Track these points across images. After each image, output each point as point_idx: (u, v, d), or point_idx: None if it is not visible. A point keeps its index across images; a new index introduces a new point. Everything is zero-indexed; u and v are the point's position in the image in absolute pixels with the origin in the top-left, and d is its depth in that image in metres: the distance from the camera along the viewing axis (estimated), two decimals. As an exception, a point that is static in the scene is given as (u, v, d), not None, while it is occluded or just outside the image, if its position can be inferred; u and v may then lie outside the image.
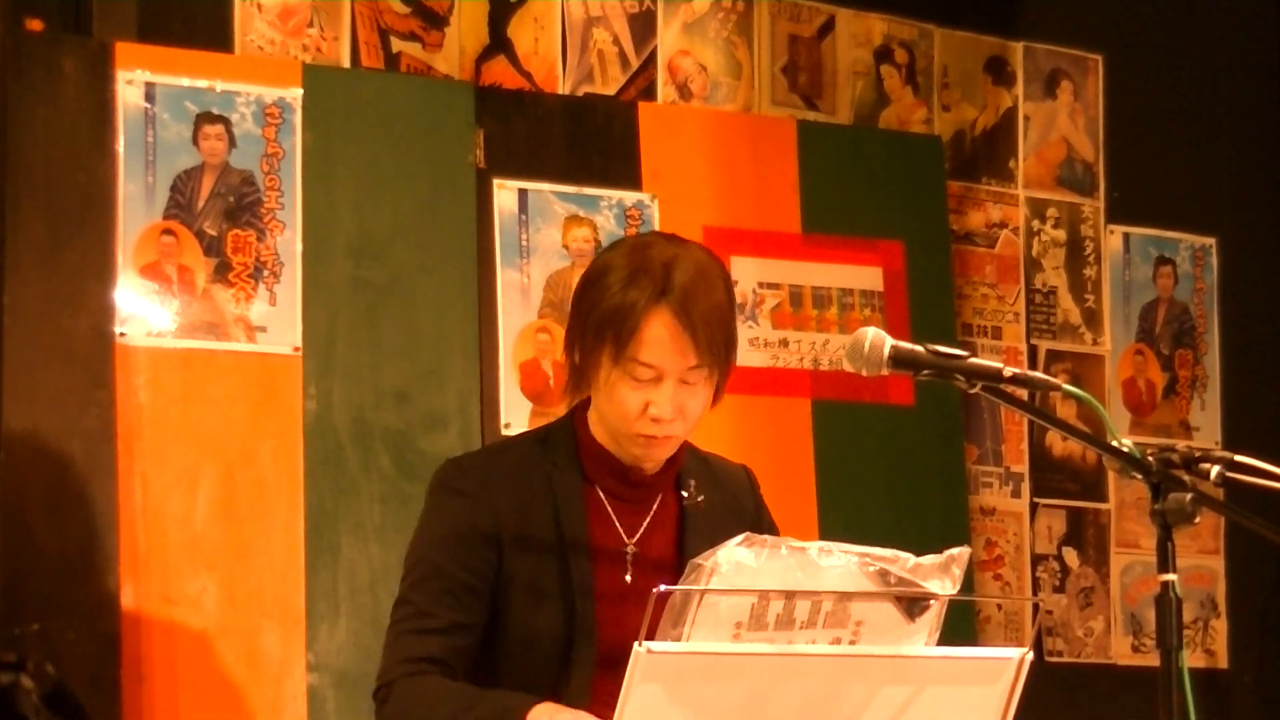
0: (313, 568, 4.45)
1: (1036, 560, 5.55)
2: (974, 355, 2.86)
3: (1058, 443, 5.58)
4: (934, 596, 2.76)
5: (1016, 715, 2.84)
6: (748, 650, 2.67)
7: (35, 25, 4.42)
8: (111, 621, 4.27)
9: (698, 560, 2.67)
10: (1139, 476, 2.76)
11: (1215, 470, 2.78)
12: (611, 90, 5.09)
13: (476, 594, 3.06)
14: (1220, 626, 5.79)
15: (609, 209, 4.92)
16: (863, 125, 5.42)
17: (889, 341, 2.82)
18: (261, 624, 4.39)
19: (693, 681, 2.65)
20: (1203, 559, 5.78)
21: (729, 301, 3.11)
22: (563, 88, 5.02)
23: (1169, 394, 5.81)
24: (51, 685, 3.79)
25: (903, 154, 5.37)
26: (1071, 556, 5.60)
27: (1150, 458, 2.77)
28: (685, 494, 3.19)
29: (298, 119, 4.59)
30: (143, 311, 4.42)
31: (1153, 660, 2.93)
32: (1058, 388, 2.87)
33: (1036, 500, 5.57)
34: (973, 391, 2.83)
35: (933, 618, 2.79)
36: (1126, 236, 5.79)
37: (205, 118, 4.52)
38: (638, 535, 3.15)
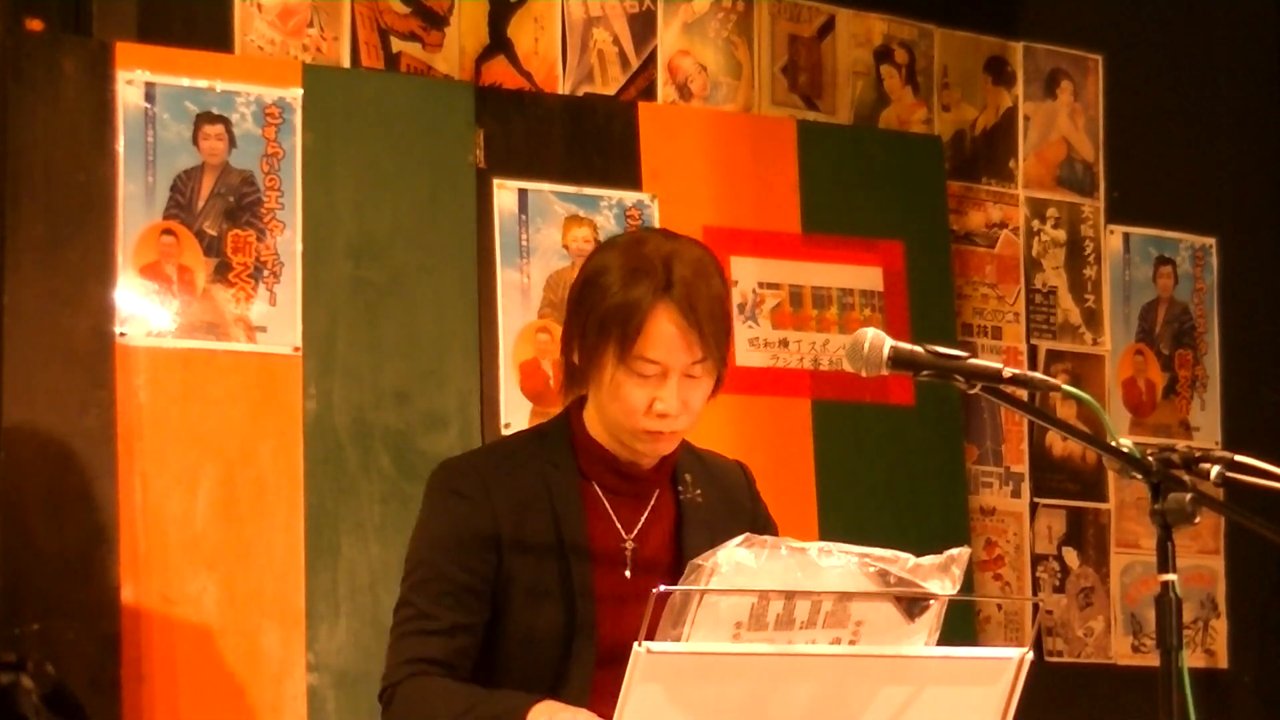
0: (313, 568, 4.45)
1: (1036, 560, 5.55)
2: (974, 355, 2.86)
3: (1058, 443, 5.58)
4: (934, 596, 2.76)
5: (1016, 715, 2.84)
6: (748, 650, 2.67)
7: (35, 25, 4.42)
8: (111, 621, 4.27)
9: (698, 560, 2.67)
10: (1139, 476, 2.76)
11: (1215, 470, 2.77)
12: (611, 90, 5.09)
13: (477, 595, 3.07)
14: (1220, 626, 5.79)
15: (609, 209, 4.92)
16: (863, 125, 5.42)
17: (889, 342, 2.82)
18: (261, 624, 4.39)
19: (693, 681, 2.65)
20: (1203, 559, 5.78)
21: (726, 293, 3.13)
22: (563, 88, 5.02)
23: (1169, 394, 5.81)
24: (51, 685, 3.79)
25: (903, 154, 5.37)
26: (1071, 556, 5.60)
27: (1150, 458, 2.77)
28: (682, 489, 3.20)
29: (298, 119, 4.59)
30: (143, 311, 4.42)
31: (1153, 660, 2.93)
32: (1057, 388, 2.87)
33: (1036, 500, 5.57)
34: (972, 392, 2.83)
35: (933, 618, 2.79)
36: (1126, 236, 5.79)
37: (205, 118, 4.52)
38: (635, 531, 3.15)
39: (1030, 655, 2.82)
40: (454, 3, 4.93)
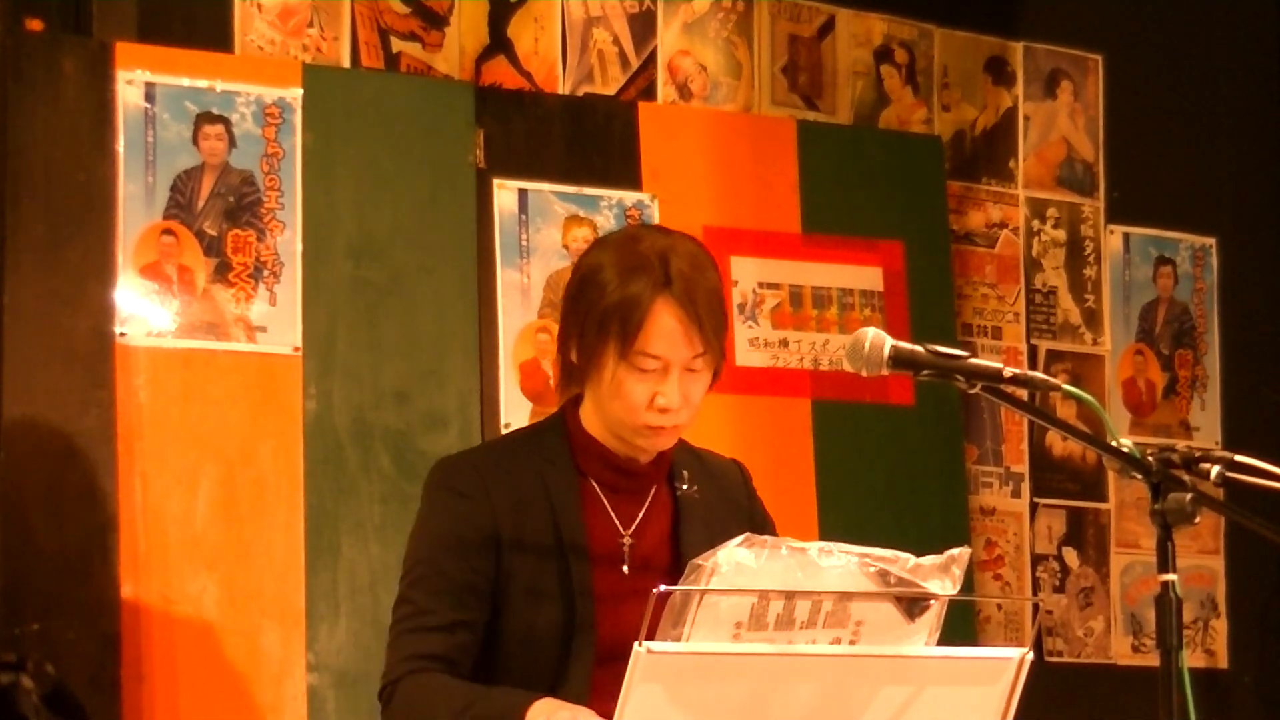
0: (313, 568, 4.45)
1: (1036, 560, 5.55)
2: (974, 355, 2.86)
3: (1058, 443, 5.58)
4: (934, 596, 2.76)
5: (1016, 715, 2.84)
6: (748, 650, 2.67)
7: (35, 25, 4.42)
8: (111, 621, 4.27)
9: (698, 560, 2.67)
10: (1139, 476, 2.76)
11: (1215, 470, 2.77)
12: (611, 90, 5.09)
13: (476, 592, 3.07)
14: (1220, 626, 5.79)
15: (609, 209, 4.92)
16: (863, 125, 5.42)
17: (889, 341, 2.82)
18: (261, 624, 4.39)
19: (693, 681, 2.65)
20: (1203, 559, 5.78)
21: (722, 286, 3.13)
22: (563, 88, 5.02)
23: (1169, 394, 5.81)
24: (51, 685, 3.79)
25: (903, 154, 5.37)
26: (1071, 556, 5.60)
27: (1150, 458, 2.77)
28: (679, 485, 3.21)
29: (298, 119, 4.59)
30: (143, 311, 4.42)
31: (1153, 660, 2.93)
32: (1057, 388, 2.87)
33: (1036, 500, 5.57)
34: (973, 391, 2.83)
35: (933, 618, 2.79)
36: (1126, 236, 5.79)
37: (205, 118, 4.52)
38: (633, 526, 3.16)
39: (1030, 655, 2.82)
40: (454, 3, 4.93)
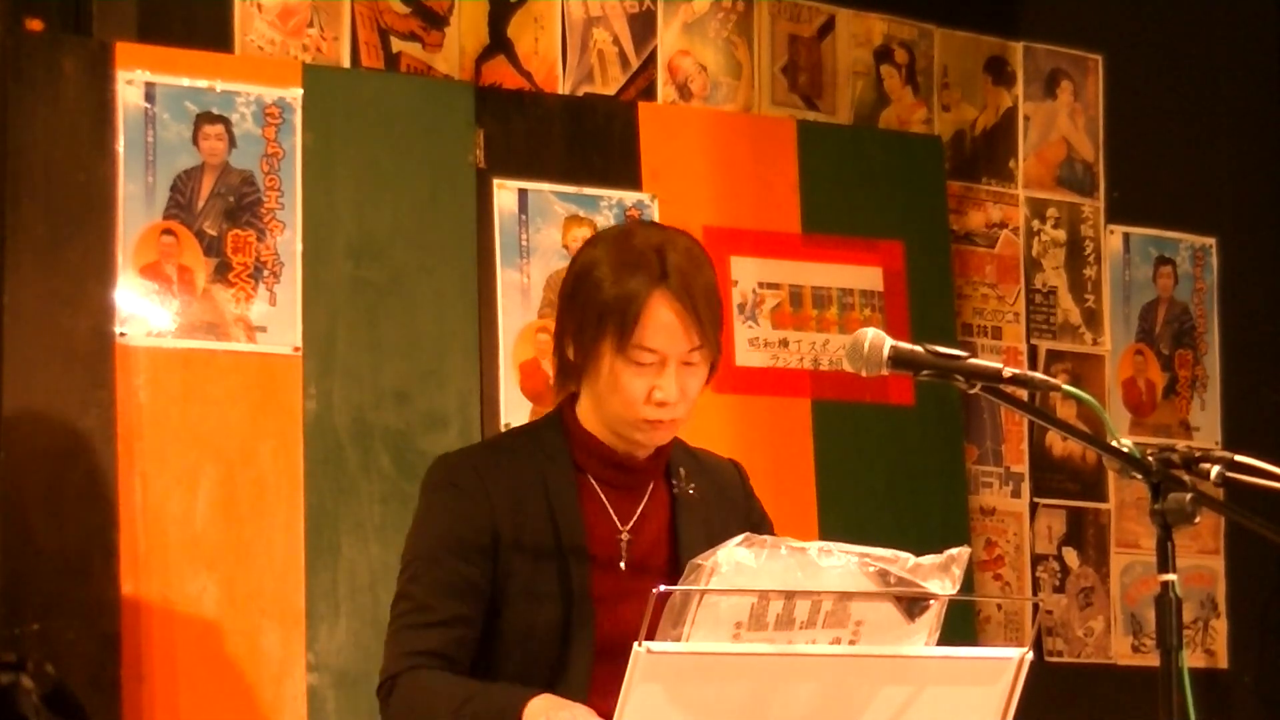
0: (313, 568, 4.45)
1: (1036, 560, 5.55)
2: (974, 355, 2.86)
3: (1058, 443, 5.58)
4: (934, 596, 2.76)
5: (1016, 715, 2.84)
6: (748, 650, 2.67)
7: (35, 25, 4.42)
8: (111, 621, 4.27)
9: (697, 560, 2.67)
10: (1139, 476, 2.76)
11: (1215, 470, 2.78)
12: (611, 90, 5.09)
13: (475, 588, 3.07)
14: (1220, 626, 5.79)
15: (609, 209, 4.92)
16: (863, 125, 5.42)
17: (889, 342, 2.82)
18: (261, 624, 4.39)
19: (692, 681, 2.65)
20: (1203, 559, 5.78)
21: (717, 280, 3.13)
22: (563, 88, 5.02)
23: (1169, 394, 5.81)
24: (51, 685, 3.79)
25: (903, 154, 5.37)
26: (1071, 556, 5.60)
27: (1150, 458, 2.77)
28: (676, 483, 3.21)
29: (298, 119, 4.59)
30: (143, 311, 4.42)
31: (1153, 660, 2.93)
32: (1057, 388, 2.87)
33: (1036, 500, 5.57)
34: (972, 392, 2.83)
35: (933, 618, 2.79)
36: (1126, 236, 5.79)
37: (205, 118, 4.52)
38: (631, 522, 3.16)
39: (1030, 655, 2.82)
40: (454, 3, 4.93)
